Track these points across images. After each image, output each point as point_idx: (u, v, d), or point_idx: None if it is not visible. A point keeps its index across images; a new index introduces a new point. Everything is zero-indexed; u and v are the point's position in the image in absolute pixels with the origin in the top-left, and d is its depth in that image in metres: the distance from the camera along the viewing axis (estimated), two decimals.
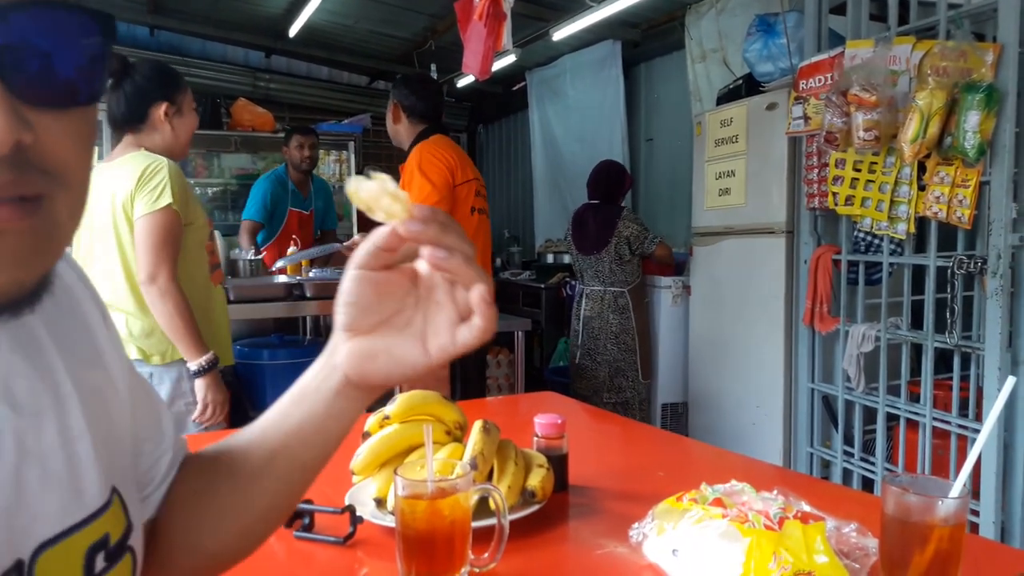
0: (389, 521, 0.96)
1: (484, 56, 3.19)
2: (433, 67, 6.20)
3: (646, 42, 5.62)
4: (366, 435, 1.10)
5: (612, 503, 1.09)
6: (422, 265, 0.59)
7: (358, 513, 0.97)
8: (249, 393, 3.25)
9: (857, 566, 0.80)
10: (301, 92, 7.14)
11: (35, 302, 0.46)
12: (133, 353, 2.02)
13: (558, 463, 1.11)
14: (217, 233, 3.88)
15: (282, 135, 4.49)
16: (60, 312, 0.57)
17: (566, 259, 5.33)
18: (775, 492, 0.89)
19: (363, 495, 1.04)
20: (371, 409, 1.39)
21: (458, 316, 0.58)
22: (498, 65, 4.52)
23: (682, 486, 0.94)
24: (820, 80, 2.81)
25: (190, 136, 2.22)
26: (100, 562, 0.52)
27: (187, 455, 0.72)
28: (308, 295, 3.08)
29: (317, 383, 0.64)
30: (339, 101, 7.27)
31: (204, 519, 0.68)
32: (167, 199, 1.98)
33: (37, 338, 0.53)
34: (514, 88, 7.07)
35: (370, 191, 0.54)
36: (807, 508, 0.87)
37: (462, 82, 6.62)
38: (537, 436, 1.14)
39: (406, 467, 0.94)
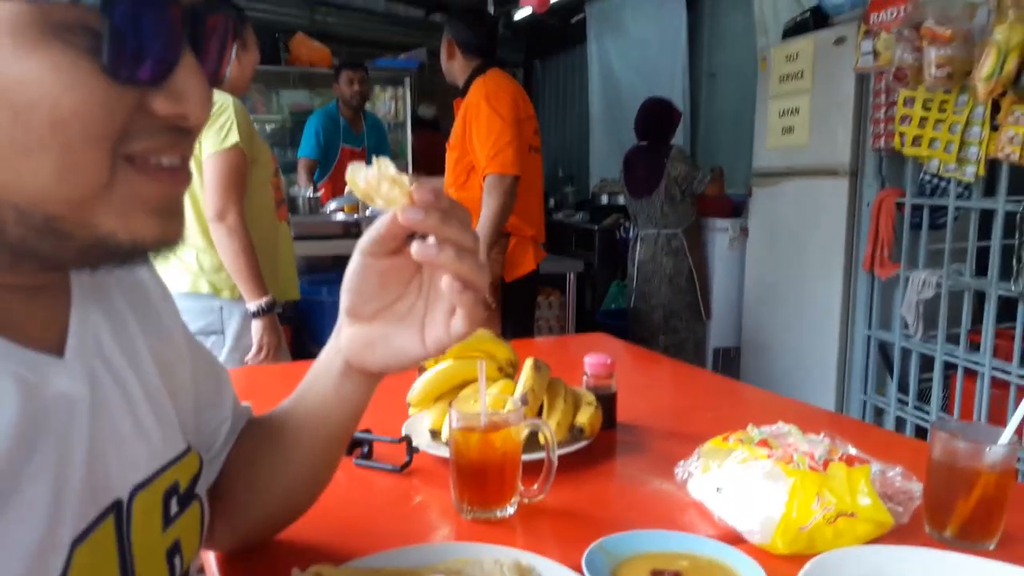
0: (443, 452, 1.00)
1: None
2: None
3: None
4: (422, 369, 1.14)
5: (659, 442, 1.12)
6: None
7: (414, 443, 1.02)
8: (309, 328, 3.36)
9: (900, 509, 0.81)
10: (358, 26, 7.09)
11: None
12: (204, 287, 2.10)
13: (607, 401, 1.14)
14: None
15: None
16: (129, 283, 0.61)
17: (621, 200, 5.27)
18: (821, 435, 0.90)
19: (419, 426, 1.09)
20: None
21: (453, 306, 0.59)
22: None
23: (729, 427, 0.96)
24: (892, 13, 2.67)
25: (253, 71, 2.25)
26: (174, 506, 0.57)
27: (249, 420, 0.77)
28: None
29: (327, 365, 0.68)
30: (395, 35, 7.19)
31: (258, 481, 0.73)
32: (234, 138, 2.01)
33: (117, 305, 0.58)
34: (572, 21, 6.89)
35: (368, 178, 0.53)
36: (853, 451, 0.88)
37: (519, 15, 6.48)
38: (587, 375, 1.17)
39: (460, 401, 0.98)
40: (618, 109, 6.16)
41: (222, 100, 2.04)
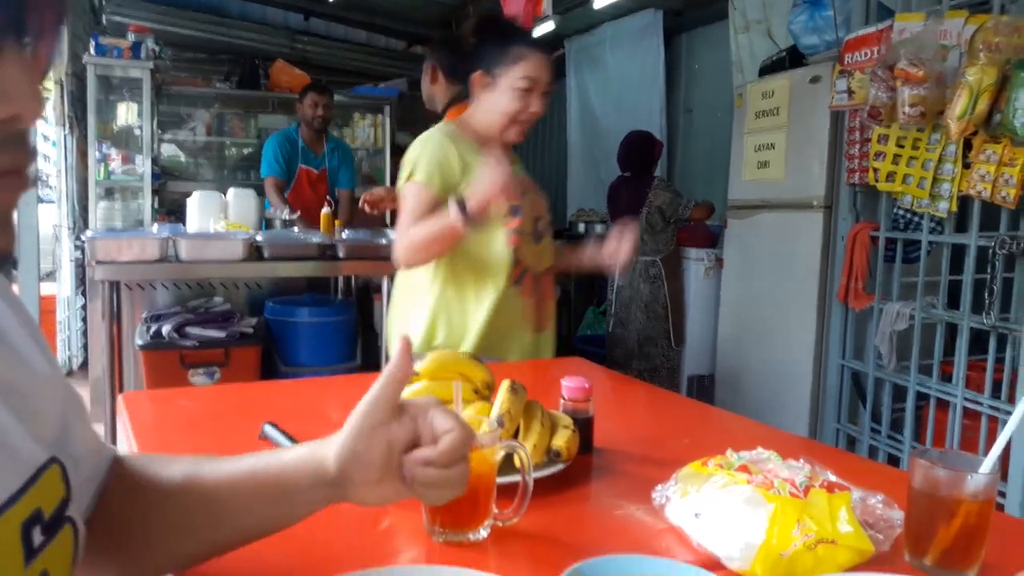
0: None
1: (524, 21, 3.16)
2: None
3: (688, 11, 5.51)
4: None
5: (636, 467, 1.10)
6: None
7: None
8: (280, 349, 3.31)
9: (881, 537, 0.80)
10: (338, 55, 7.12)
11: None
12: None
13: (584, 425, 1.12)
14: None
15: None
16: None
17: (598, 228, 5.30)
18: (801, 461, 0.89)
19: None
20: None
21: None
22: (536, 32, 4.46)
23: (707, 453, 0.94)
24: (866, 54, 2.74)
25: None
26: (38, 536, 0.51)
27: (132, 465, 0.71)
28: (340, 255, 3.11)
29: (304, 487, 0.67)
30: (376, 65, 7.24)
31: (164, 542, 0.68)
32: None
33: None
34: (552, 55, 6.98)
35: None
36: (833, 478, 0.86)
37: None
38: (564, 398, 1.15)
39: None
40: (596, 142, 6.22)
41: None
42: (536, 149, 7.64)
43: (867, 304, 2.84)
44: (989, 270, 2.31)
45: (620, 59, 5.94)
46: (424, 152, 1.77)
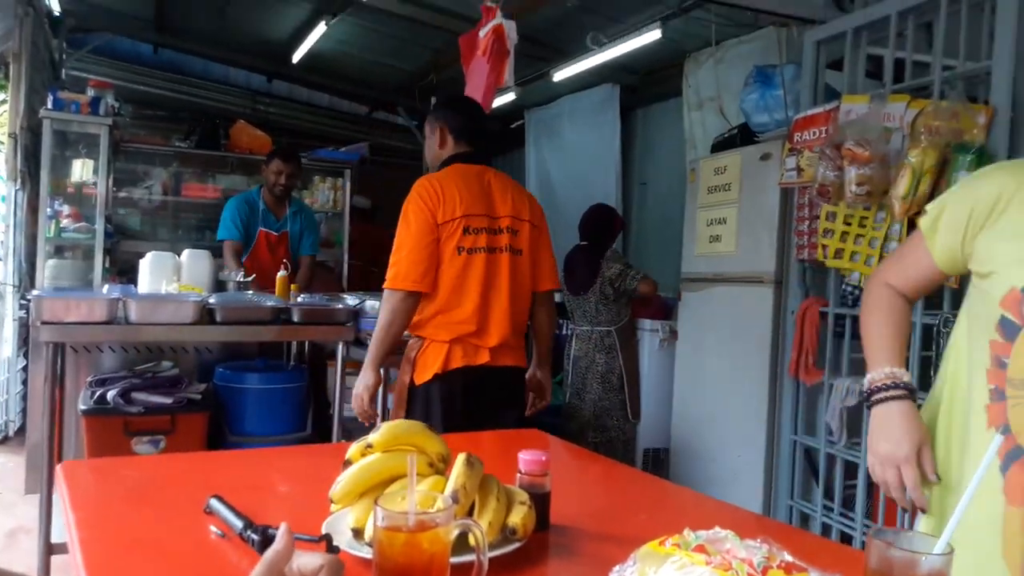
0: (366, 552, 0.94)
1: (486, 91, 3.23)
2: (433, 100, 6.26)
3: (644, 87, 5.71)
4: (347, 463, 1.08)
5: (593, 544, 1.08)
6: None
7: (335, 543, 0.95)
8: (229, 417, 3.21)
9: None
10: (300, 118, 7.18)
11: None
12: None
13: (540, 501, 1.10)
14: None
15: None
16: None
17: (556, 298, 5.32)
18: (759, 541, 0.88)
19: (341, 524, 1.02)
20: (350, 437, 1.38)
21: None
22: (498, 102, 4.57)
23: (664, 530, 0.93)
24: (815, 133, 2.85)
25: None
26: None
27: None
28: (295, 320, 3.06)
29: None
30: (338, 129, 7.31)
31: None
32: None
33: None
34: (512, 126, 7.14)
35: None
36: (790, 559, 0.86)
37: None
38: (521, 472, 1.13)
39: (387, 498, 0.93)
40: (554, 212, 6.26)
41: None
42: None
43: (818, 379, 2.88)
44: (934, 347, 2.37)
45: (578, 131, 6.10)
46: None
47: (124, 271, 4.84)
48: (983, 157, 2.18)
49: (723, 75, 4.54)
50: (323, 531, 0.99)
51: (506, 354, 2.42)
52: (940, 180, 2.28)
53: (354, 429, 2.75)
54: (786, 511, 3.06)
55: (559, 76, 5.36)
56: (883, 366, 1.13)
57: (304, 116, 7.22)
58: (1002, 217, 1.05)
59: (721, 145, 3.75)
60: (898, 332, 1.18)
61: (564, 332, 4.43)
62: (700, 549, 0.86)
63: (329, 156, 6.13)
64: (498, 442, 1.72)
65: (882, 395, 1.10)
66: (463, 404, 2.32)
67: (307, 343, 3.81)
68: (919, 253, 1.19)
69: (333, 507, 1.06)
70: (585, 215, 4.17)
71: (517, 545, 0.99)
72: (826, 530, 2.88)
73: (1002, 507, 0.99)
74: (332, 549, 0.95)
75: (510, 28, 3.22)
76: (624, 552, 0.92)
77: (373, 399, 2.43)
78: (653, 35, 4.45)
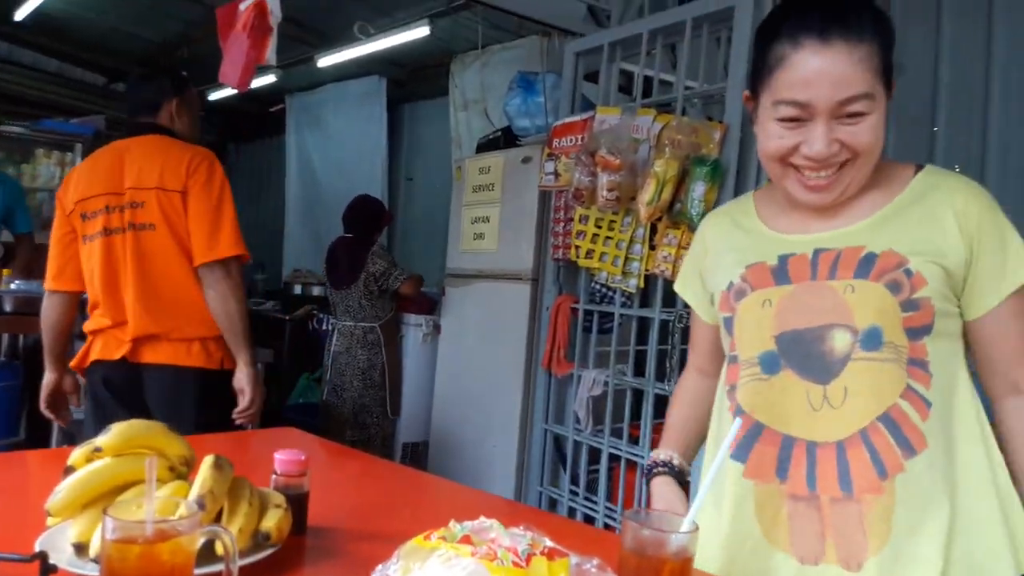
0: (91, 570, 0.83)
1: (245, 67, 3.01)
2: (183, 74, 5.79)
3: (412, 83, 5.71)
4: (69, 470, 0.94)
5: (355, 544, 1.03)
6: None
7: (51, 561, 0.82)
8: None
9: None
10: (22, 83, 6.30)
11: None
12: None
13: (298, 503, 1.03)
14: None
15: None
16: None
17: (315, 291, 5.15)
18: (522, 528, 0.89)
19: (60, 540, 0.89)
20: (73, 443, 1.20)
21: None
22: (257, 83, 4.32)
23: (429, 524, 0.91)
24: (572, 140, 3.00)
25: None
26: None
27: None
28: (7, 310, 2.65)
29: None
30: (69, 99, 6.50)
31: None
32: None
33: None
34: (272, 110, 6.80)
35: None
36: (551, 544, 0.88)
37: (215, 95, 6.23)
38: (276, 473, 1.06)
39: (118, 507, 0.81)
40: (316, 201, 6.12)
41: None
42: (251, 204, 7.31)
43: (568, 371, 3.05)
44: (670, 341, 2.60)
45: (342, 121, 5.95)
46: None
47: None
48: (717, 169, 2.43)
49: (488, 78, 4.67)
50: (36, 548, 0.85)
51: (161, 348, 2.12)
52: (680, 188, 2.49)
53: (77, 433, 2.45)
54: (536, 496, 3.20)
55: (324, 62, 5.18)
56: (662, 450, 1.31)
57: (27, 82, 6.33)
58: (708, 255, 1.26)
59: (486, 146, 3.84)
60: (681, 422, 1.34)
61: (325, 328, 4.30)
62: (466, 540, 0.85)
63: (57, 128, 5.41)
64: (251, 443, 1.61)
65: (654, 471, 1.28)
66: (117, 401, 2.13)
67: (21, 336, 3.32)
68: (696, 324, 1.35)
69: (50, 521, 0.92)
70: (350, 206, 4.06)
71: (271, 551, 0.92)
72: (571, 513, 3.05)
73: (751, 485, 1.10)
74: (48, 569, 0.81)
75: (274, 5, 3.04)
76: (388, 550, 0.88)
77: (62, 398, 2.29)
78: (421, 31, 4.46)
